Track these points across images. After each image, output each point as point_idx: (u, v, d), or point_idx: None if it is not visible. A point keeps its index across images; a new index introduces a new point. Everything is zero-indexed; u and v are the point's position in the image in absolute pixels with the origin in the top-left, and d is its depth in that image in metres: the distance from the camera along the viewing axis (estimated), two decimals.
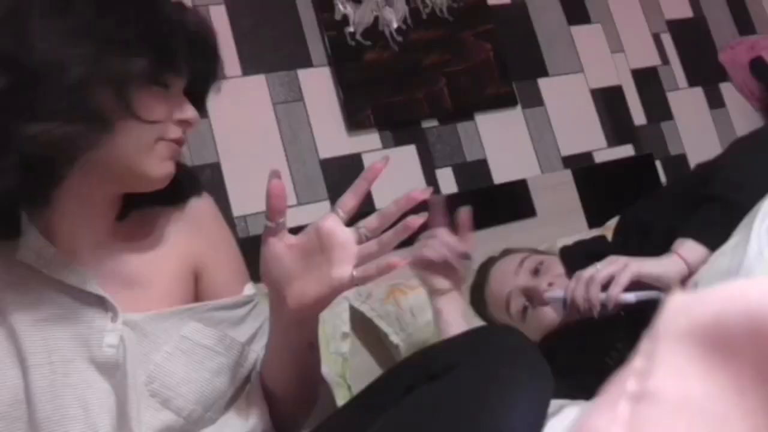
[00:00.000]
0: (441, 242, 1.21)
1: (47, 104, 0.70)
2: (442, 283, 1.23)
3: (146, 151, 0.79)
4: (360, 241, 0.77)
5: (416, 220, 0.74)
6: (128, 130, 0.76)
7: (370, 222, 0.78)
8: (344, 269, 0.75)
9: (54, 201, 0.80)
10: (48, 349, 0.76)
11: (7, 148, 0.70)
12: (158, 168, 0.81)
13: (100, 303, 0.79)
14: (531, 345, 0.80)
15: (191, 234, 0.92)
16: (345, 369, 1.46)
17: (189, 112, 0.83)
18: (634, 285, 1.13)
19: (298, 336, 0.83)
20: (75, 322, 0.78)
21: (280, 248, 0.77)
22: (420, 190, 0.76)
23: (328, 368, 1.43)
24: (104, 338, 0.78)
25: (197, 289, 0.92)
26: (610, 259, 1.17)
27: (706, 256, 1.12)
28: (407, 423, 0.72)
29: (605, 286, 1.14)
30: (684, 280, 1.14)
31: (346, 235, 0.76)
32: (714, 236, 1.11)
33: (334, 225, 0.76)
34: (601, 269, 1.15)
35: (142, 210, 0.89)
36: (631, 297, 1.12)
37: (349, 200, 0.77)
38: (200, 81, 0.88)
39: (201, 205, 0.95)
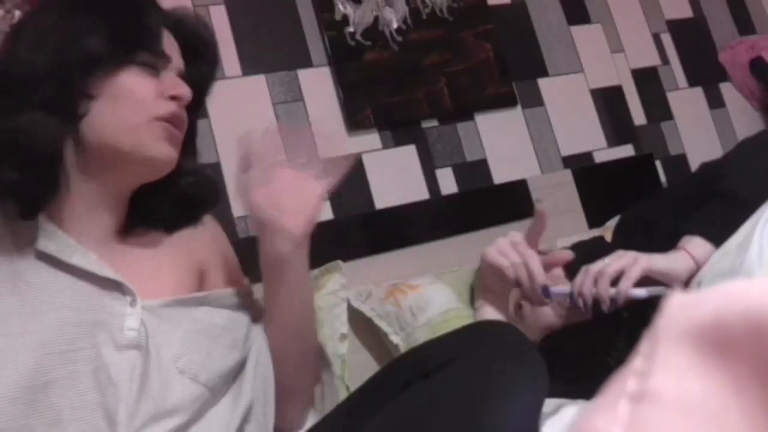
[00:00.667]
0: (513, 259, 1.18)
1: (23, 100, 0.77)
2: (500, 287, 1.20)
3: (137, 131, 0.83)
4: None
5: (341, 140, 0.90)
6: (108, 113, 0.82)
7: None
8: (315, 186, 0.92)
9: (62, 198, 0.83)
10: (68, 334, 0.77)
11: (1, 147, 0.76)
12: (153, 148, 0.86)
13: (118, 289, 0.82)
14: (526, 341, 0.80)
15: (195, 237, 0.98)
16: (344, 370, 1.46)
17: (179, 87, 0.87)
18: (643, 280, 1.12)
19: (280, 273, 0.91)
20: (95, 307, 0.80)
21: (265, 193, 0.89)
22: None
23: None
24: (125, 322, 0.80)
25: (200, 289, 0.96)
26: (619, 253, 1.15)
27: (711, 252, 1.12)
28: (404, 419, 0.72)
29: (614, 281, 1.12)
30: (691, 277, 1.14)
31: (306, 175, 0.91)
32: (721, 233, 1.11)
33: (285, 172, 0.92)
34: (610, 263, 1.13)
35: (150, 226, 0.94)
36: (642, 292, 1.10)
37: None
38: (197, 76, 0.90)
39: (212, 232, 1.04)
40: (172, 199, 0.95)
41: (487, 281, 1.22)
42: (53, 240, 0.81)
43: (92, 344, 0.78)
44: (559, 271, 1.31)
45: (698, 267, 1.12)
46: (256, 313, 1.00)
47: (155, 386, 0.80)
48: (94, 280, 0.81)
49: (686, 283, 1.14)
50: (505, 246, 1.18)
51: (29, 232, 0.81)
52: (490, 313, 1.19)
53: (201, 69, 0.91)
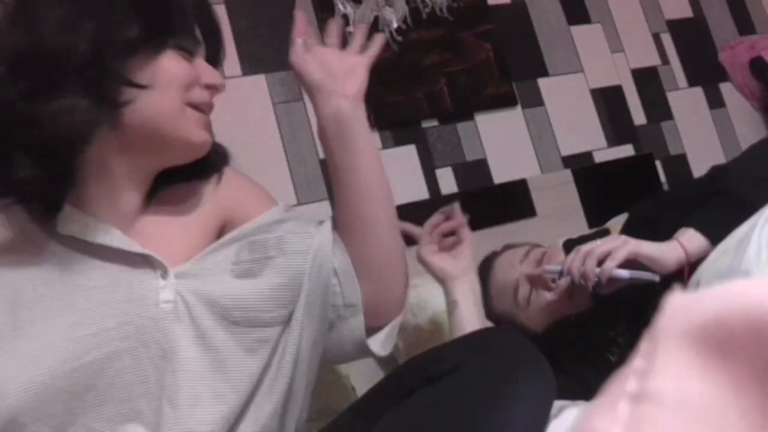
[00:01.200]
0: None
1: (63, 86, 0.73)
2: (454, 266, 1.24)
3: (177, 116, 0.82)
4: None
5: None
6: (151, 98, 0.79)
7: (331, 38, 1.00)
8: (357, 56, 1.00)
9: (85, 182, 0.80)
10: (99, 315, 0.75)
11: (30, 134, 0.73)
12: (193, 133, 0.84)
13: (147, 262, 0.80)
14: (532, 347, 0.80)
15: (217, 194, 0.95)
16: (348, 371, 1.46)
17: (215, 77, 0.87)
18: (632, 265, 1.14)
19: (356, 130, 0.96)
20: (127, 284, 0.78)
21: (311, 57, 0.92)
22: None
23: (330, 371, 1.43)
24: (159, 295, 0.79)
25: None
26: (611, 236, 1.19)
27: (707, 247, 1.13)
28: (409, 424, 0.72)
29: (602, 262, 1.14)
30: (683, 271, 1.14)
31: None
32: (716, 229, 1.12)
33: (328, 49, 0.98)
34: (600, 244, 1.16)
35: (171, 186, 0.91)
36: (624, 273, 1.13)
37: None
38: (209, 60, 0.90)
39: (230, 173, 1.00)
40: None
41: (442, 269, 1.28)
42: (75, 222, 0.79)
43: (126, 322, 0.76)
44: (560, 258, 1.32)
45: (688, 258, 1.13)
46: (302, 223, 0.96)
47: (212, 346, 0.79)
48: (121, 257, 0.79)
49: (680, 277, 1.15)
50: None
51: (51, 219, 0.79)
52: (467, 306, 1.21)
53: (213, 52, 0.91)
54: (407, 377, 0.80)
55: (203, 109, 0.86)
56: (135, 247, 0.80)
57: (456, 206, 1.31)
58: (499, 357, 0.75)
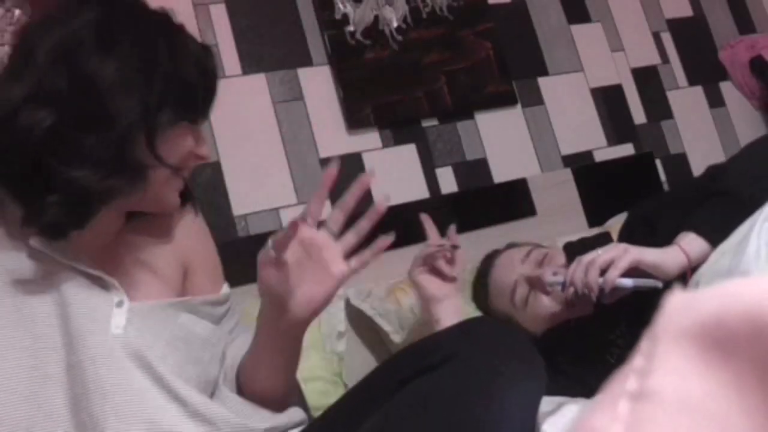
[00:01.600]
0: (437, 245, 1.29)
1: (92, 152, 0.77)
2: (440, 288, 1.25)
3: (166, 184, 0.87)
4: (335, 238, 0.87)
5: (383, 203, 0.85)
6: (157, 174, 0.84)
7: (336, 217, 0.88)
8: (340, 265, 0.85)
9: None
10: (58, 330, 0.79)
11: (49, 186, 0.77)
12: (170, 200, 0.90)
13: (106, 288, 0.84)
14: (523, 336, 0.80)
15: (183, 234, 0.98)
16: (341, 368, 1.46)
17: (207, 150, 0.90)
18: (634, 273, 1.13)
19: (288, 340, 0.89)
20: (84, 304, 0.81)
21: (274, 269, 0.84)
22: (382, 200, 0.86)
23: (322, 369, 1.43)
24: (111, 320, 0.82)
25: (183, 287, 0.96)
26: (612, 245, 1.18)
27: (708, 250, 1.12)
28: (401, 417, 0.72)
29: (605, 271, 1.14)
30: (684, 273, 1.14)
31: (323, 237, 0.86)
32: (716, 231, 1.11)
33: (310, 232, 0.86)
34: (602, 254, 1.15)
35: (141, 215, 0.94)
36: (628, 282, 1.12)
37: (316, 208, 0.88)
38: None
39: (192, 215, 1.01)
40: None
41: (429, 290, 1.28)
42: (48, 239, 0.82)
43: (79, 341, 0.79)
44: (564, 263, 1.32)
45: (690, 263, 1.13)
46: (232, 324, 1.01)
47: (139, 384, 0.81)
48: (84, 278, 0.83)
49: (682, 278, 1.15)
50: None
51: (24, 231, 0.82)
52: (450, 318, 1.22)
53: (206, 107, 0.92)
54: (399, 369, 0.80)
55: (184, 174, 0.89)
56: (98, 271, 0.84)
57: (452, 229, 1.33)
58: (490, 347, 0.76)
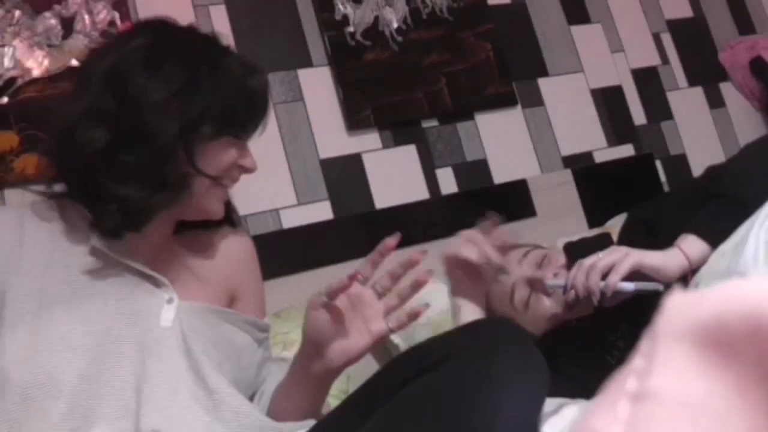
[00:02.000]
0: (481, 246, 1.21)
1: (134, 170, 0.85)
2: (467, 291, 1.23)
3: (209, 191, 0.93)
4: (379, 297, 0.93)
5: (426, 276, 0.90)
6: (199, 184, 0.90)
7: (384, 282, 0.94)
8: (379, 323, 0.91)
9: None
10: (109, 320, 0.85)
11: (106, 196, 0.85)
12: (213, 208, 0.96)
13: (158, 286, 0.90)
14: (525, 335, 0.80)
15: (237, 263, 1.05)
16: (348, 386, 1.46)
17: (252, 162, 0.98)
18: (635, 276, 1.13)
19: (315, 386, 0.94)
20: (136, 299, 0.88)
21: (323, 313, 0.89)
22: (391, 238, 0.94)
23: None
24: (161, 315, 0.88)
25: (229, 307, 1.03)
26: (612, 249, 1.18)
27: (708, 252, 1.12)
28: (400, 418, 0.72)
29: (606, 275, 1.13)
30: (685, 276, 1.14)
31: (370, 295, 0.92)
32: (717, 233, 1.11)
33: (360, 288, 0.92)
34: (603, 257, 1.15)
35: (192, 230, 1.02)
36: (629, 286, 1.12)
37: (368, 271, 0.94)
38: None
39: (247, 243, 1.10)
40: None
41: (458, 282, 1.24)
42: (108, 240, 0.89)
43: (130, 331, 0.85)
44: (564, 264, 1.31)
45: (691, 265, 1.12)
46: (266, 356, 1.04)
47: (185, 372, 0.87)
48: (139, 277, 0.90)
49: (682, 280, 1.15)
50: (477, 239, 1.21)
51: (86, 231, 0.89)
52: (471, 310, 1.21)
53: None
54: (400, 370, 0.80)
55: (228, 185, 0.97)
56: (152, 271, 0.90)
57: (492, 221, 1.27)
58: (491, 346, 0.75)
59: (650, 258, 1.14)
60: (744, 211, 1.09)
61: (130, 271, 0.90)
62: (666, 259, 1.13)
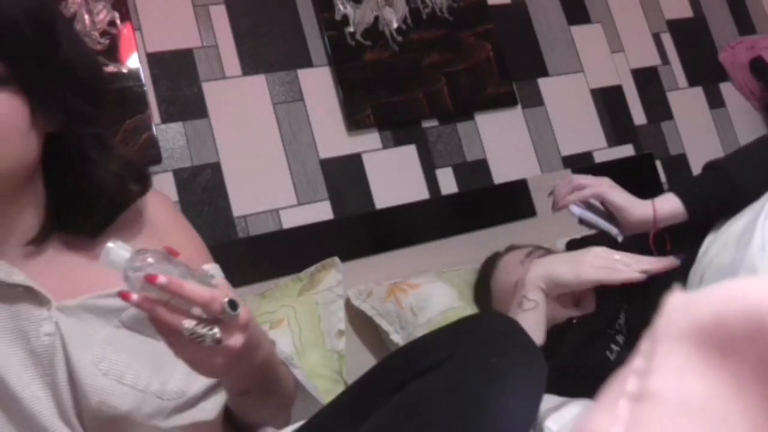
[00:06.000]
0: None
1: None
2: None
3: None
4: None
5: None
6: None
7: None
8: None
9: None
10: None
11: None
12: None
13: (32, 294, 0.77)
14: (525, 335, 0.79)
15: (152, 243, 0.85)
16: (341, 366, 1.46)
17: None
18: (597, 210, 1.20)
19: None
20: (9, 316, 0.76)
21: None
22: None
23: (323, 367, 1.43)
24: (40, 327, 0.76)
25: None
26: (601, 177, 1.22)
27: (681, 213, 1.14)
28: (401, 419, 0.72)
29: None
30: (648, 231, 1.18)
31: None
32: (695, 196, 1.13)
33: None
34: (583, 178, 1.22)
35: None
36: (576, 210, 1.19)
37: None
38: None
39: (155, 211, 0.91)
40: (84, 201, 0.84)
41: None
42: None
43: (7, 354, 0.75)
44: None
45: (656, 219, 1.14)
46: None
47: (70, 395, 0.76)
48: (4, 288, 0.76)
49: (642, 235, 1.18)
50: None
51: None
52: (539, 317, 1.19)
53: None
54: (397, 369, 0.79)
55: None
56: (18, 278, 0.76)
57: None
58: (489, 343, 0.75)
59: (617, 195, 1.17)
60: (732, 191, 1.09)
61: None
62: (632, 204, 1.15)
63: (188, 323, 0.66)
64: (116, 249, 0.67)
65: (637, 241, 1.25)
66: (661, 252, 1.23)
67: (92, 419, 0.76)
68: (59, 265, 0.82)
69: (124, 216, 0.86)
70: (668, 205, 1.14)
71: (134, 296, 0.66)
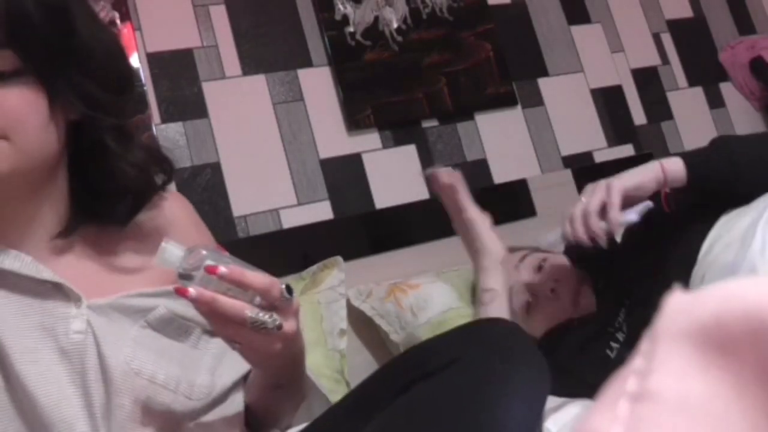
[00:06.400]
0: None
1: None
2: (500, 245, 1.21)
3: None
4: None
5: None
6: None
7: None
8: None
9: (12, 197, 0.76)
10: (12, 341, 0.72)
11: None
12: None
13: (62, 291, 0.76)
14: (526, 337, 0.79)
15: (169, 235, 0.86)
16: (342, 365, 1.46)
17: None
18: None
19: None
20: (38, 312, 0.75)
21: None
22: None
23: (325, 366, 1.43)
24: (70, 325, 0.75)
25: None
26: (591, 187, 1.17)
27: (684, 176, 1.14)
28: (405, 422, 0.72)
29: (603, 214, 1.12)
30: (660, 190, 1.16)
31: None
32: (699, 165, 1.14)
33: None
34: (589, 200, 1.13)
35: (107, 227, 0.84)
36: (633, 216, 1.12)
37: None
38: None
39: (174, 211, 0.91)
40: (108, 193, 0.83)
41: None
42: None
43: (37, 349, 0.73)
44: (566, 265, 1.31)
45: (666, 180, 1.14)
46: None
47: (101, 393, 0.74)
48: (33, 284, 0.75)
49: (659, 195, 1.17)
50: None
51: None
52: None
53: None
54: (401, 372, 0.79)
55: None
56: (46, 274, 0.75)
57: None
58: (495, 349, 0.75)
59: (630, 179, 1.15)
60: (731, 166, 1.10)
61: (23, 279, 0.75)
62: (643, 174, 1.15)
63: (251, 311, 0.67)
64: (171, 248, 0.67)
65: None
66: (674, 209, 1.22)
67: (124, 419, 0.74)
68: (88, 262, 0.81)
69: (147, 212, 0.86)
70: (673, 166, 1.15)
71: (192, 291, 0.65)
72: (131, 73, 0.85)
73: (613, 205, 1.10)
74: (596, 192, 1.13)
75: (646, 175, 1.14)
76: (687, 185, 1.14)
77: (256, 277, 0.67)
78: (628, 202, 1.12)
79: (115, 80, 0.79)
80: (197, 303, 0.66)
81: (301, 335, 0.77)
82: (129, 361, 0.75)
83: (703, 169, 1.13)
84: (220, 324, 0.68)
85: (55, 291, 0.76)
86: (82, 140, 0.79)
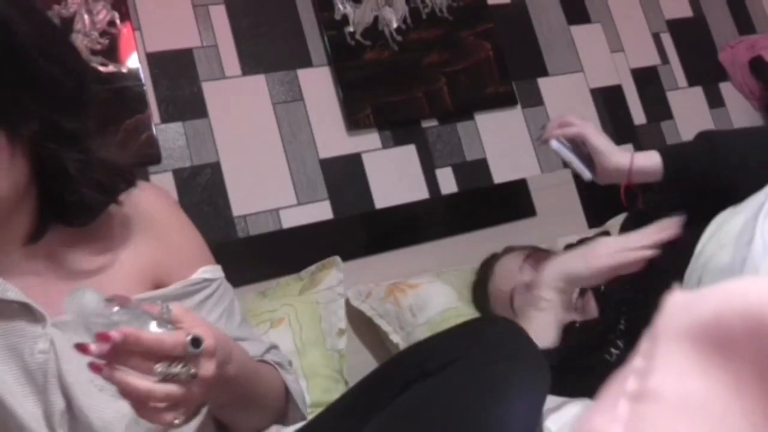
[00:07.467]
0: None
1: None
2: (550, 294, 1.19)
3: None
4: None
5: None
6: None
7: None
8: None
9: None
10: None
11: None
12: None
13: (28, 310, 0.75)
14: (526, 337, 0.79)
15: (148, 239, 0.86)
16: (342, 365, 1.46)
17: None
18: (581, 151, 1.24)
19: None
20: (5, 333, 0.74)
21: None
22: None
23: (324, 366, 1.43)
24: (35, 345, 0.74)
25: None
26: (583, 119, 1.25)
27: (657, 170, 1.16)
28: (405, 422, 0.71)
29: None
30: (621, 182, 1.19)
31: None
32: (676, 159, 1.14)
33: None
34: (571, 117, 1.25)
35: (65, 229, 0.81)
36: (555, 145, 1.24)
37: None
38: None
39: (151, 203, 0.88)
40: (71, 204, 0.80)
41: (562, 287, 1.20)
42: None
43: (8, 370, 0.73)
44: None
45: (631, 171, 1.16)
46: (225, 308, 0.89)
47: (77, 411, 0.74)
48: (1, 304, 0.74)
49: (610, 186, 1.19)
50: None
51: None
52: (545, 319, 1.17)
53: None
54: (400, 371, 0.79)
55: None
56: (12, 294, 0.74)
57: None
58: (494, 349, 0.75)
59: (598, 139, 1.20)
60: (714, 161, 1.09)
61: None
62: (611, 151, 1.19)
63: (159, 367, 0.63)
64: (86, 296, 0.63)
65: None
66: (631, 207, 1.25)
67: None
68: (57, 269, 0.80)
69: (119, 210, 0.83)
70: (645, 159, 1.16)
71: (93, 347, 0.61)
72: (90, 94, 0.80)
73: (563, 131, 1.22)
74: (579, 119, 1.24)
75: (611, 152, 1.19)
76: (663, 179, 1.14)
77: (155, 340, 0.62)
78: (586, 154, 1.22)
79: (74, 105, 0.76)
80: (98, 373, 0.63)
81: (231, 360, 0.73)
82: (93, 378, 0.71)
83: (680, 161, 1.13)
84: (127, 384, 0.62)
85: (22, 310, 0.75)
86: (44, 165, 0.76)
